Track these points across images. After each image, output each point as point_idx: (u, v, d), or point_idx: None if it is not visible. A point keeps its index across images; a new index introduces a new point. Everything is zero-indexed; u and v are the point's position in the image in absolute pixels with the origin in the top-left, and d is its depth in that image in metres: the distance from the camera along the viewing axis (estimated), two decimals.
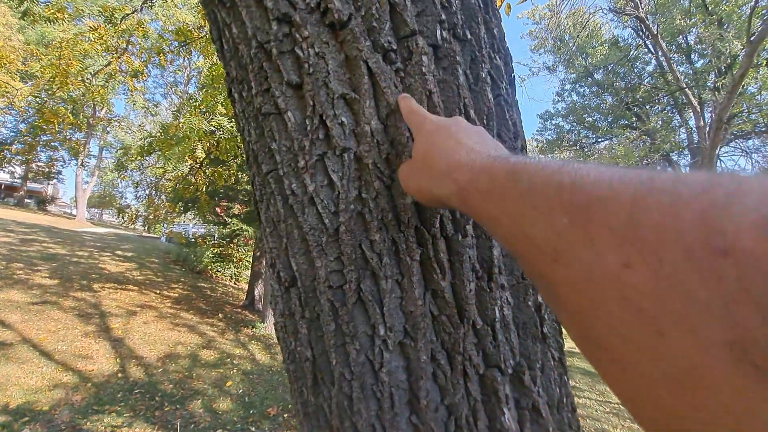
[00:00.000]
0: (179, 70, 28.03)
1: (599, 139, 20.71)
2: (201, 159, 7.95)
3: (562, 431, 0.56)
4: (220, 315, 8.72)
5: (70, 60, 7.27)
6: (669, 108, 17.54)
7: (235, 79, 0.56)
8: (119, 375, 5.09)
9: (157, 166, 9.64)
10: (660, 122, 17.32)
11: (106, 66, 7.82)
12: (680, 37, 15.45)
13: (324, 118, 0.47)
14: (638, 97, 17.72)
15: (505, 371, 0.50)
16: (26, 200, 32.82)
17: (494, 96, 0.52)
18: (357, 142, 0.47)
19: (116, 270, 10.90)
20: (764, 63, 11.82)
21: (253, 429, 4.35)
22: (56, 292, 7.76)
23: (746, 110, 13.67)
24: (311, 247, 0.50)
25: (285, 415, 4.72)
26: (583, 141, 21.25)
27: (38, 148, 29.09)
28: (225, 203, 10.84)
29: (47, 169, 32.56)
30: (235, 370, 5.85)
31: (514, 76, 0.59)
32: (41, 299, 7.11)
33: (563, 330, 0.62)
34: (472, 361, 0.48)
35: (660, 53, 14.24)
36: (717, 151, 9.54)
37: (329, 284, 0.49)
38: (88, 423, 3.96)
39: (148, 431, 3.96)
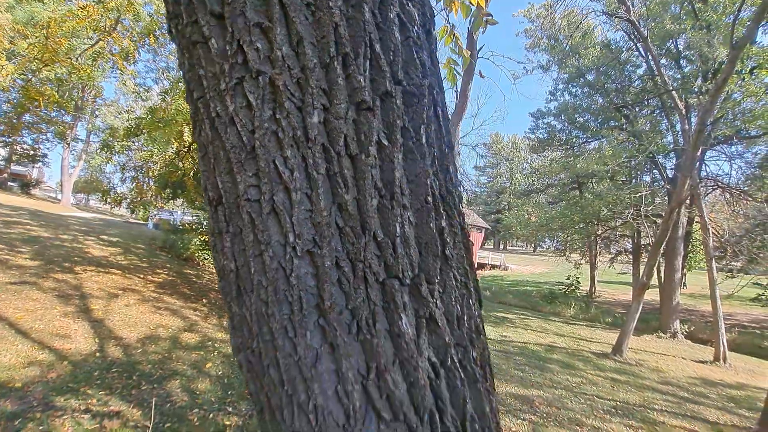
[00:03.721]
0: (171, 55, 27.61)
1: (589, 140, 21.00)
2: (189, 143, 7.90)
3: (461, 345, 0.62)
4: (204, 300, 8.71)
5: (58, 38, 7.17)
6: (657, 111, 17.84)
7: (172, 14, 0.61)
8: (97, 354, 5.08)
9: (144, 150, 9.54)
10: (648, 125, 17.61)
11: (94, 44, 7.73)
12: (670, 41, 15.69)
13: (242, 43, 0.53)
14: (627, 99, 17.99)
15: (403, 281, 0.56)
16: (9, 183, 32.15)
17: (403, 37, 0.58)
18: (271, 65, 0.53)
19: (100, 254, 10.79)
20: (748, 71, 12.07)
21: (230, 409, 4.39)
22: (36, 273, 7.67)
23: (731, 116, 13.95)
24: (233, 164, 0.55)
25: None
26: (574, 141, 21.53)
27: (23, 130, 28.47)
28: None
29: (32, 152, 31.92)
30: (215, 353, 5.87)
31: (431, 27, 0.64)
32: (20, 279, 7.03)
33: (473, 261, 0.68)
34: (372, 269, 0.55)
35: (650, 56, 14.46)
36: (698, 153, 9.76)
37: (247, 197, 0.55)
38: (62, 400, 3.95)
39: (123, 408, 3.98)
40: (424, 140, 0.59)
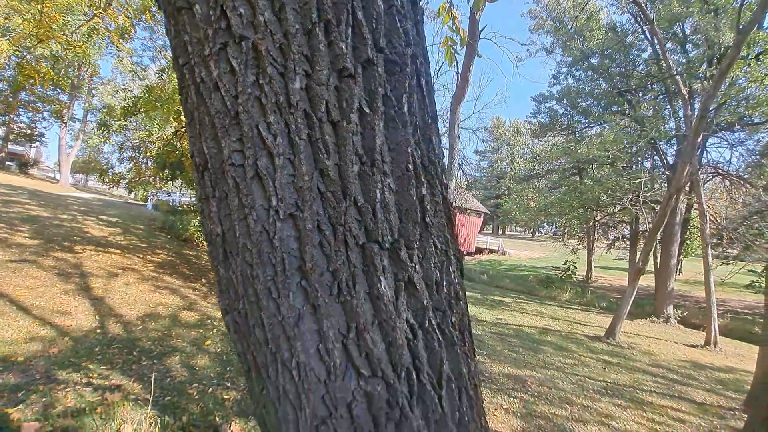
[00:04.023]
0: None
1: (591, 125, 20.87)
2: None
3: (439, 309, 0.65)
4: (203, 280, 8.79)
5: (52, 14, 7.05)
6: (661, 97, 17.67)
7: None
8: (98, 331, 5.16)
9: (142, 129, 9.47)
10: (651, 110, 17.47)
11: (89, 20, 7.60)
12: (677, 25, 15.41)
13: (225, 9, 0.53)
14: (631, 83, 17.79)
15: (383, 245, 0.58)
16: (7, 162, 31.97)
17: (387, 5, 0.58)
18: (254, 31, 0.54)
19: (99, 234, 10.84)
20: (754, 56, 11.89)
21: (229, 384, 4.50)
22: (36, 251, 7.72)
23: (735, 102, 13.82)
24: (218, 129, 0.57)
25: None
26: (576, 125, 21.41)
27: (19, 108, 28.17)
28: None
29: (29, 131, 31.67)
30: (214, 331, 5.97)
31: None
32: (20, 257, 7.08)
33: (456, 232, 0.70)
34: (352, 233, 0.57)
35: (656, 40, 14.23)
36: (699, 139, 9.71)
37: (232, 162, 0.56)
38: (64, 373, 4.04)
39: (124, 382, 4.07)
40: (405, 109, 0.60)
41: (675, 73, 12.65)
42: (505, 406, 4.98)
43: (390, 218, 0.59)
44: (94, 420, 3.36)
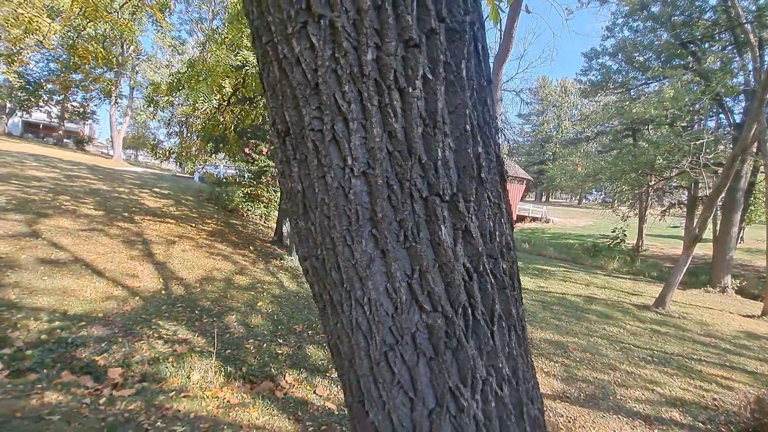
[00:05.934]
0: (203, 5, 27.52)
1: (648, 81, 19.08)
2: (229, 95, 8.09)
3: (492, 256, 0.73)
4: (251, 248, 9.34)
5: None
6: (729, 48, 15.82)
7: None
8: (163, 292, 5.71)
9: (186, 105, 9.85)
10: (718, 63, 15.67)
11: None
12: None
13: None
14: (696, 33, 15.96)
15: (443, 198, 0.66)
16: (65, 140, 34.40)
17: None
18: (330, 9, 0.61)
19: (155, 205, 11.66)
20: None
21: (281, 341, 4.89)
22: (102, 221, 8.46)
23: None
24: (299, 99, 0.66)
25: (309, 332, 5.24)
26: (631, 83, 19.73)
27: (72, 88, 29.89)
28: (253, 141, 11.18)
29: (82, 109, 33.73)
30: (265, 294, 6.43)
31: None
32: (89, 227, 7.80)
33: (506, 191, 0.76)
34: (417, 187, 0.65)
35: None
36: None
37: (312, 128, 0.65)
38: (138, 328, 4.56)
39: (189, 336, 4.54)
40: (464, 74, 0.65)
41: (744, 21, 11.30)
42: (546, 370, 5.07)
43: (450, 174, 0.66)
44: (167, 368, 3.81)
